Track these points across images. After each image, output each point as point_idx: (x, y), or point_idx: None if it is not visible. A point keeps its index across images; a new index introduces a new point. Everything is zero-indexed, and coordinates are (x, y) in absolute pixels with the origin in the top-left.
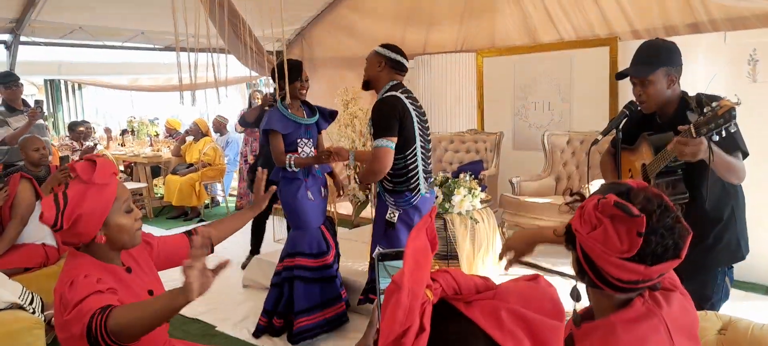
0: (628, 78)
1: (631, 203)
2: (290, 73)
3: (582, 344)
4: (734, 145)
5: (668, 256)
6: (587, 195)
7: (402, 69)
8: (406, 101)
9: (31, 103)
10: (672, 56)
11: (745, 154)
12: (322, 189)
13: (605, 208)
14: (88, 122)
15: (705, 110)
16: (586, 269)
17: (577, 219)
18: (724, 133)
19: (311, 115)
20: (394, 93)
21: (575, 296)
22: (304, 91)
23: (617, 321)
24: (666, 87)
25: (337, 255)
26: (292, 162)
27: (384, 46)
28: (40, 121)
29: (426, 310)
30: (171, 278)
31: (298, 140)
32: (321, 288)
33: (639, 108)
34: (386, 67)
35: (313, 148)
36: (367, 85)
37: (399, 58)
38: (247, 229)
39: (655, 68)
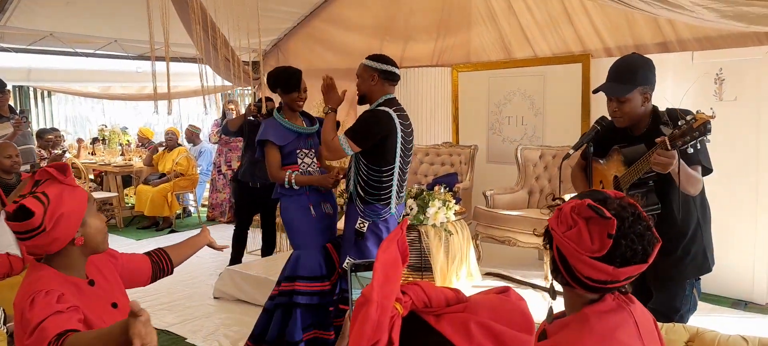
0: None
1: (606, 209)
2: (289, 82)
3: (555, 336)
4: (696, 159)
5: (636, 260)
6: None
7: (394, 79)
8: (397, 120)
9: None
10: (647, 75)
11: (708, 170)
12: (328, 204)
13: (581, 210)
14: (57, 130)
15: (679, 123)
16: (560, 268)
17: (554, 219)
18: (699, 146)
19: (311, 125)
20: (386, 109)
21: (552, 293)
22: (302, 102)
23: (590, 313)
24: (640, 104)
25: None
26: (292, 180)
27: (373, 57)
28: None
29: (395, 324)
30: (146, 301)
31: (298, 151)
32: (313, 315)
33: (611, 121)
34: (379, 80)
35: (314, 159)
36: (362, 100)
37: (391, 68)
38: (222, 241)
39: (632, 88)
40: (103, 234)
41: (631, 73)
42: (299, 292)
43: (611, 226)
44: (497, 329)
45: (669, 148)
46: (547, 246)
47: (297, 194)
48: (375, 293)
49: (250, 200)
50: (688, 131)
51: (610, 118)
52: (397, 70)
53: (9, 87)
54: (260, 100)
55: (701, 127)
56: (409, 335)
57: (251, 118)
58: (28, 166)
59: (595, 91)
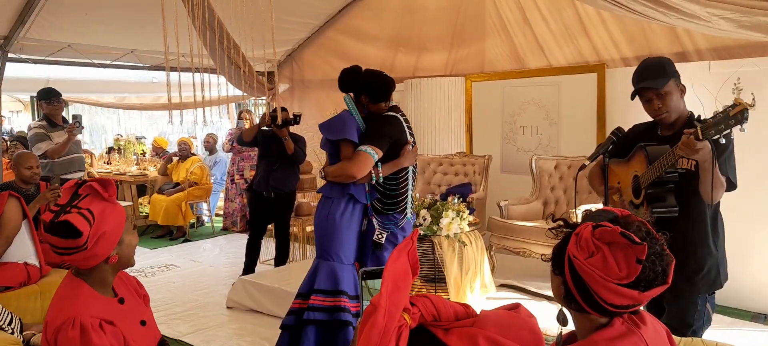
0: (637, 97)
1: (630, 232)
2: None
3: None
4: (724, 170)
5: (658, 282)
6: (571, 220)
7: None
8: (404, 125)
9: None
10: (674, 69)
11: (733, 186)
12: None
13: (603, 235)
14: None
15: (714, 113)
16: (575, 294)
17: (573, 247)
18: (731, 135)
19: None
20: (394, 113)
21: (562, 320)
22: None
23: (599, 340)
24: (680, 97)
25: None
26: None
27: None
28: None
29: (402, 333)
30: (159, 310)
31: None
32: (330, 335)
33: (628, 131)
34: (366, 99)
35: None
36: (370, 115)
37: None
38: (235, 250)
39: (668, 79)
40: (134, 249)
41: (660, 68)
42: (317, 308)
43: (641, 251)
44: (503, 343)
45: (700, 136)
46: (557, 272)
47: (354, 201)
48: (383, 301)
49: (264, 210)
50: (723, 119)
51: (653, 118)
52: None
53: (62, 98)
54: (275, 109)
55: (738, 115)
56: (416, 343)
57: (265, 127)
58: (81, 175)
59: (634, 94)
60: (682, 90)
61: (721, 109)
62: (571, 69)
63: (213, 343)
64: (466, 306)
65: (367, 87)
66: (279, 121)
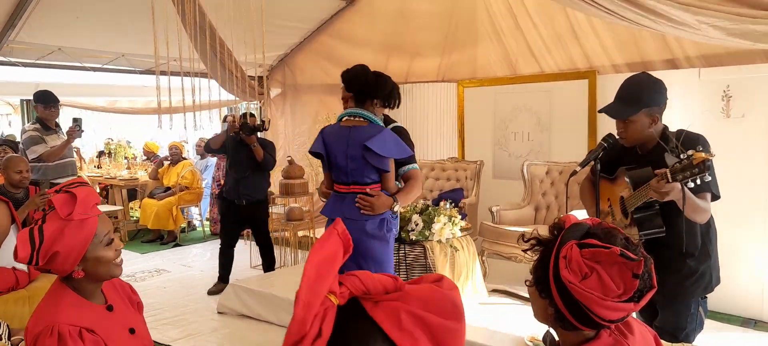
0: None
1: (612, 244)
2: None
3: None
4: (706, 187)
5: (647, 288)
6: (542, 236)
7: None
8: None
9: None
10: (655, 96)
11: (715, 197)
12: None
13: (595, 255)
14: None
15: (681, 157)
16: (569, 316)
17: (565, 272)
18: (697, 182)
19: None
20: (396, 124)
21: (550, 342)
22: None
23: None
24: (647, 126)
25: None
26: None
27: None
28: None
29: (327, 315)
30: (149, 315)
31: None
32: None
33: (618, 138)
34: (378, 106)
35: None
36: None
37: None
38: (214, 256)
39: (636, 110)
40: (108, 266)
41: (637, 95)
42: None
43: (638, 266)
44: (427, 318)
45: (670, 180)
46: (544, 296)
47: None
48: (302, 293)
49: (237, 218)
50: (688, 167)
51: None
52: None
53: (59, 101)
54: (244, 115)
55: (700, 165)
56: (345, 320)
57: (233, 134)
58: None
59: (601, 111)
60: (655, 119)
61: (685, 156)
62: (563, 75)
63: None
64: (395, 278)
65: (389, 94)
66: (251, 123)
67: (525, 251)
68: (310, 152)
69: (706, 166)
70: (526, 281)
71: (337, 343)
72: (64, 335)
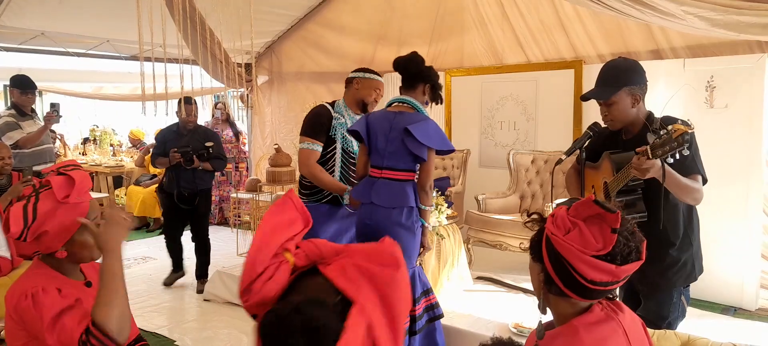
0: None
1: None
2: (440, 87)
3: None
4: (694, 168)
5: (632, 257)
6: (546, 214)
7: None
8: None
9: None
10: (633, 76)
11: (705, 180)
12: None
13: (578, 210)
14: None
15: (661, 133)
16: (555, 278)
17: (551, 225)
18: (677, 156)
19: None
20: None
21: (543, 308)
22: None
23: (579, 325)
24: (630, 106)
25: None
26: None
27: (367, 70)
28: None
29: (281, 267)
30: (135, 303)
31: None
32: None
33: (604, 127)
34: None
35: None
36: (365, 108)
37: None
38: (213, 243)
39: (617, 89)
40: (92, 249)
41: (615, 76)
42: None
43: (615, 220)
44: (368, 268)
45: (650, 156)
46: (536, 259)
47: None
48: (256, 239)
49: (177, 211)
50: (667, 141)
51: (603, 124)
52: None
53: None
54: (187, 150)
55: (679, 138)
56: (301, 278)
57: (174, 129)
58: (50, 166)
59: (583, 98)
60: (637, 98)
61: (665, 130)
62: (549, 65)
63: (190, 335)
64: (346, 246)
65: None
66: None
67: (526, 223)
68: (348, 131)
69: (684, 139)
70: (520, 245)
71: (296, 297)
72: (38, 292)
